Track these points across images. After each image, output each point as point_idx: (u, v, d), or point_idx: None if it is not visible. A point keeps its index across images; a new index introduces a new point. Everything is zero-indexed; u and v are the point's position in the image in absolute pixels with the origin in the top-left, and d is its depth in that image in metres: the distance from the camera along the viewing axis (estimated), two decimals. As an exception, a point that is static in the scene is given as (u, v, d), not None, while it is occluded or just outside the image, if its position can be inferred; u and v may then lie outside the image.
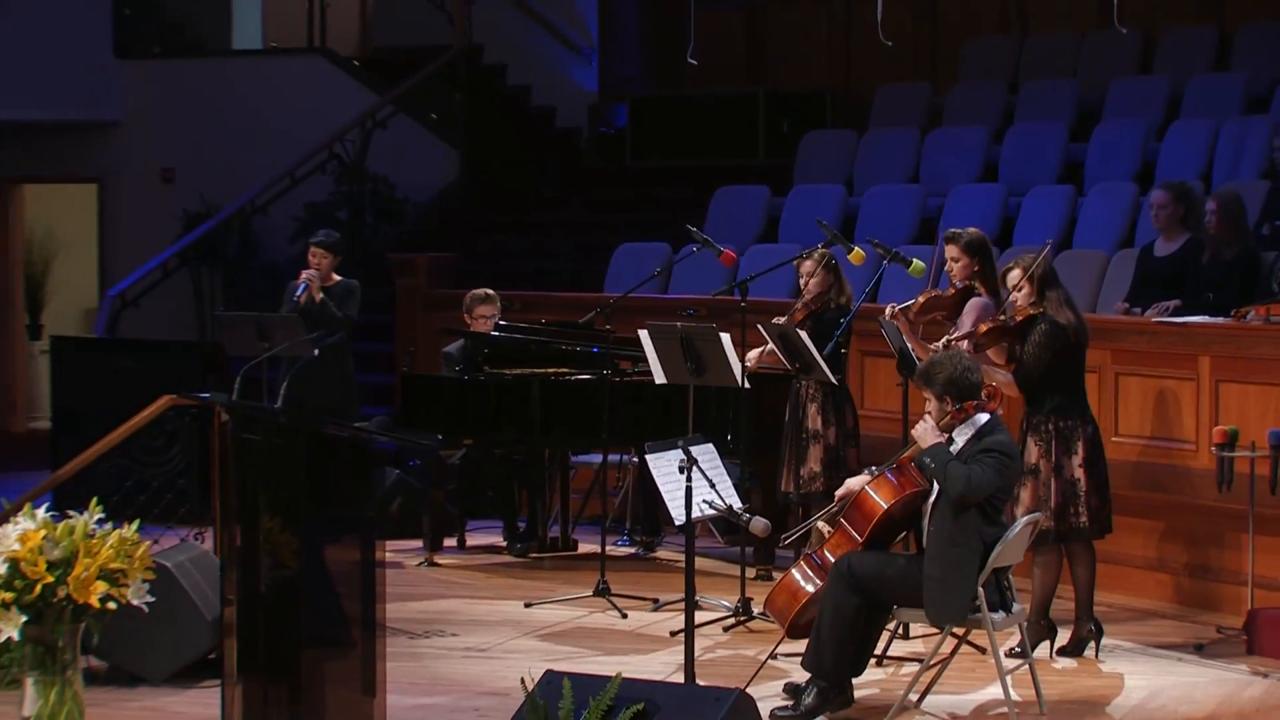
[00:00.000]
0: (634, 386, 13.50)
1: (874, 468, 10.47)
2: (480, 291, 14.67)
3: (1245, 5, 18.23)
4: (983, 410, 9.90)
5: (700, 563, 13.30)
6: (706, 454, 10.20)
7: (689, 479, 9.68)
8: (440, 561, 14.40)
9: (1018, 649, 10.92)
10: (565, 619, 12.52)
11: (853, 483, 10.34)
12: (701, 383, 12.42)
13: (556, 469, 14.86)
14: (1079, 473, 10.97)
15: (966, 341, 11.24)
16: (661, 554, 13.60)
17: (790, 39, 20.11)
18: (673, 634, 11.72)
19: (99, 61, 21.38)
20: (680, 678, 10.02)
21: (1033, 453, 11.04)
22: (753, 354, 12.64)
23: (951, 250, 11.83)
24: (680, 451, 9.70)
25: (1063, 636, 11.40)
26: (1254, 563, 11.61)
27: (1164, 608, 12.57)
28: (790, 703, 9.85)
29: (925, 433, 9.86)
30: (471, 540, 15.22)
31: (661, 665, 11.01)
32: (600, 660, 11.27)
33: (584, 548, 14.47)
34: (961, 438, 9.82)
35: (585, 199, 19.51)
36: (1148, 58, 18.17)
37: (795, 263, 12.89)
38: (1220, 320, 12.41)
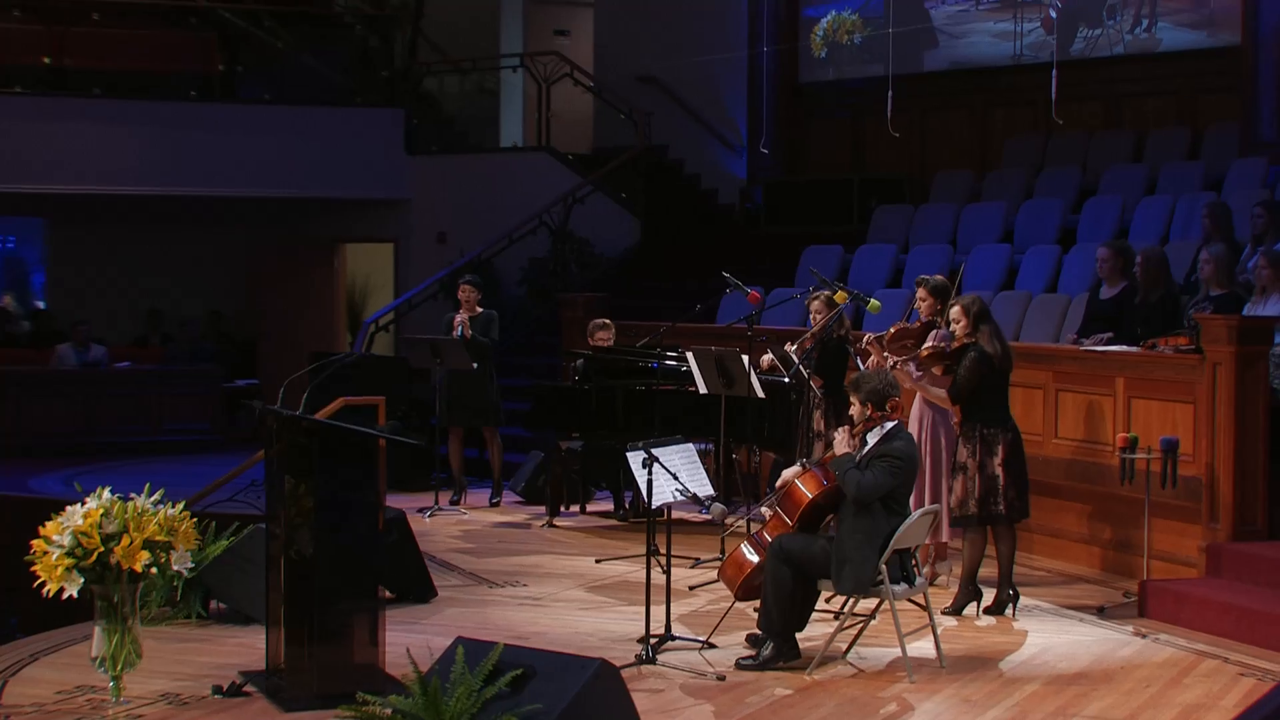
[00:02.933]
0: (695, 394, 12.10)
1: (805, 461, 9.70)
2: (600, 320, 13.96)
3: (1212, 110, 16.68)
4: (889, 419, 8.77)
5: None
6: (685, 453, 9.30)
7: (650, 473, 8.75)
8: (559, 524, 13.34)
9: (950, 608, 10.16)
10: (618, 574, 11.37)
11: (787, 474, 9.31)
12: (730, 393, 11.55)
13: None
14: (999, 470, 9.85)
15: (913, 363, 10.28)
16: (730, 520, 12.30)
17: (880, 139, 18.84)
18: (690, 588, 10.70)
19: (395, 157, 20.67)
20: (675, 625, 9.31)
21: (963, 452, 10.01)
22: (763, 359, 11.75)
23: (920, 292, 10.86)
24: (643, 452, 8.77)
25: (988, 599, 10.17)
26: (1149, 540, 10.38)
27: (1092, 574, 11.32)
28: (753, 653, 8.86)
29: (840, 442, 8.88)
30: (594, 508, 14.10)
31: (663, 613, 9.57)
32: (620, 609, 10.19)
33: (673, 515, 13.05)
34: (873, 438, 8.76)
35: (727, 256, 18.22)
36: (1139, 151, 16.55)
37: (806, 302, 11.81)
38: (1132, 349, 11.16)
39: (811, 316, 11.63)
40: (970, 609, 10.05)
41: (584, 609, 10.23)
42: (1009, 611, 10.02)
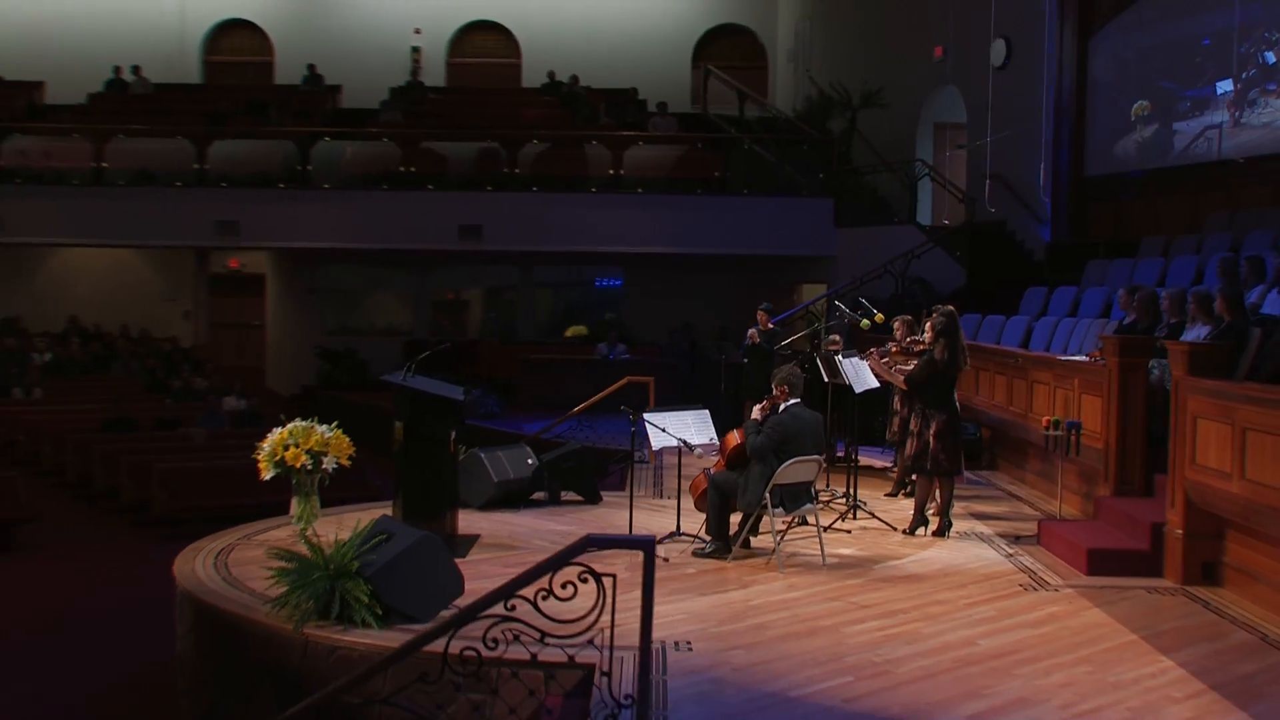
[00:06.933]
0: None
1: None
2: (832, 336, 13.56)
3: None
4: (780, 400, 8.94)
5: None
6: (699, 414, 9.58)
7: (634, 427, 9.33)
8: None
9: (906, 529, 9.93)
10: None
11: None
12: (837, 381, 11.22)
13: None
14: (931, 439, 9.70)
15: (885, 357, 10.46)
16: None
17: (1130, 213, 17.80)
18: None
19: (827, 229, 21.07)
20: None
21: (912, 423, 9.93)
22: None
23: (934, 318, 10.20)
24: (631, 412, 9.41)
25: (933, 525, 9.89)
26: (1062, 494, 10.23)
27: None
28: (701, 546, 9.03)
29: (753, 411, 9.07)
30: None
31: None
32: (693, 515, 9.53)
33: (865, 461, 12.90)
34: (782, 409, 8.86)
35: (1021, 294, 17.46)
36: (1294, 222, 14.76)
37: (892, 320, 11.52)
38: (1081, 359, 10.45)
39: (896, 332, 11.42)
40: (920, 532, 9.81)
41: (673, 515, 9.94)
42: (947, 535, 9.74)
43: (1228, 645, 6.77)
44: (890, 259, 18.99)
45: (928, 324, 9.91)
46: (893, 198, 22.29)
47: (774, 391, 8.92)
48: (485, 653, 4.85)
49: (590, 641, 4.86)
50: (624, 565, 7.54)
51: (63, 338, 23.83)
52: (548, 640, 4.88)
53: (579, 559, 4.78)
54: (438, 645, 4.96)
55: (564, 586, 4.80)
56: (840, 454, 13.41)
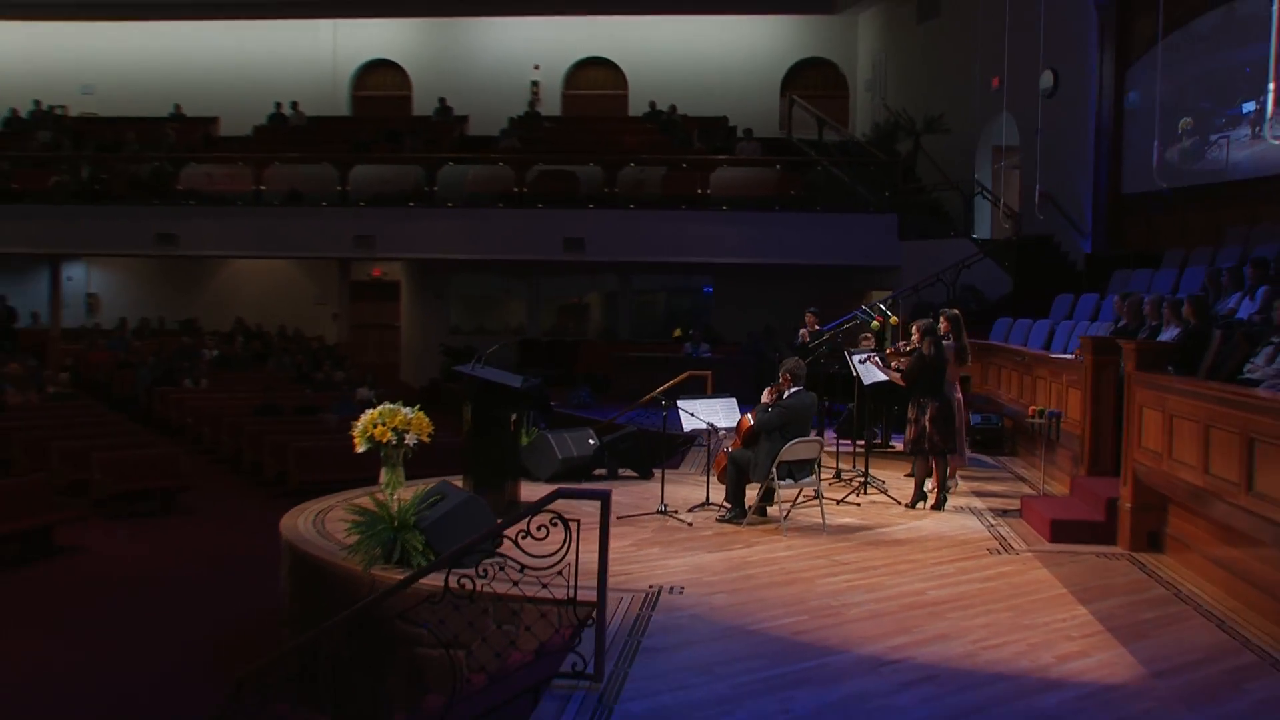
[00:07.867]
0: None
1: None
2: (864, 334, 13.88)
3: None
4: (784, 386, 9.49)
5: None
6: (727, 402, 10.08)
7: (664, 409, 9.92)
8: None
9: (908, 503, 10.31)
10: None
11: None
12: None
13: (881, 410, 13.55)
14: (926, 424, 10.17)
15: (879, 356, 10.80)
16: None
17: (1161, 227, 17.76)
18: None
19: (892, 241, 21.34)
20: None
21: (912, 411, 10.33)
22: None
23: (942, 320, 11.03)
24: (665, 398, 9.84)
25: (931, 499, 10.32)
26: (1044, 473, 10.60)
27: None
28: (722, 513, 9.58)
29: (763, 395, 9.48)
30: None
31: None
32: (720, 489, 10.08)
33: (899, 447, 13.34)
34: (787, 394, 9.41)
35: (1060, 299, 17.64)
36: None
37: (911, 324, 11.84)
38: (1068, 357, 10.80)
39: (914, 335, 11.78)
40: (920, 505, 10.23)
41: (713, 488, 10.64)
42: (943, 508, 10.17)
43: (1141, 599, 7.21)
44: (944, 268, 19.29)
45: (915, 325, 10.39)
46: (955, 213, 22.53)
47: (779, 380, 9.52)
48: (478, 582, 5.60)
49: (559, 573, 5.58)
50: (620, 522, 8.22)
51: (229, 336, 25.34)
52: (526, 572, 5.61)
53: (550, 507, 5.50)
54: (438, 578, 5.74)
55: (539, 529, 5.51)
56: (878, 440, 13.93)
